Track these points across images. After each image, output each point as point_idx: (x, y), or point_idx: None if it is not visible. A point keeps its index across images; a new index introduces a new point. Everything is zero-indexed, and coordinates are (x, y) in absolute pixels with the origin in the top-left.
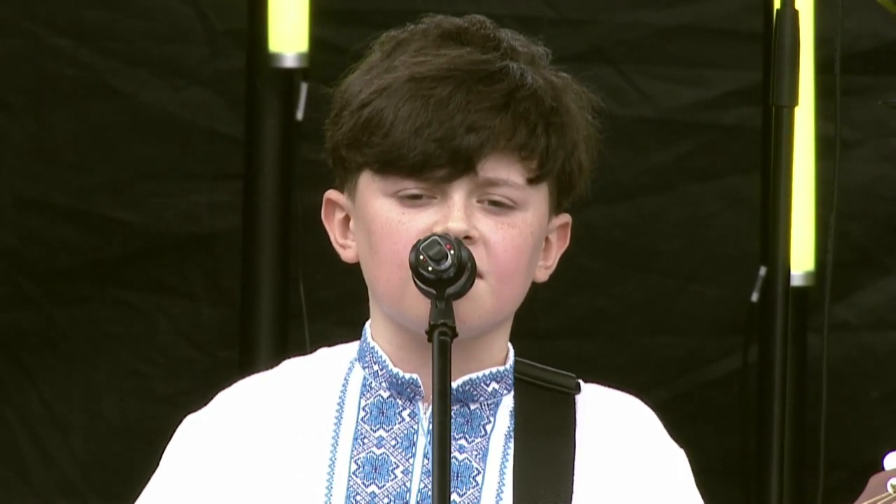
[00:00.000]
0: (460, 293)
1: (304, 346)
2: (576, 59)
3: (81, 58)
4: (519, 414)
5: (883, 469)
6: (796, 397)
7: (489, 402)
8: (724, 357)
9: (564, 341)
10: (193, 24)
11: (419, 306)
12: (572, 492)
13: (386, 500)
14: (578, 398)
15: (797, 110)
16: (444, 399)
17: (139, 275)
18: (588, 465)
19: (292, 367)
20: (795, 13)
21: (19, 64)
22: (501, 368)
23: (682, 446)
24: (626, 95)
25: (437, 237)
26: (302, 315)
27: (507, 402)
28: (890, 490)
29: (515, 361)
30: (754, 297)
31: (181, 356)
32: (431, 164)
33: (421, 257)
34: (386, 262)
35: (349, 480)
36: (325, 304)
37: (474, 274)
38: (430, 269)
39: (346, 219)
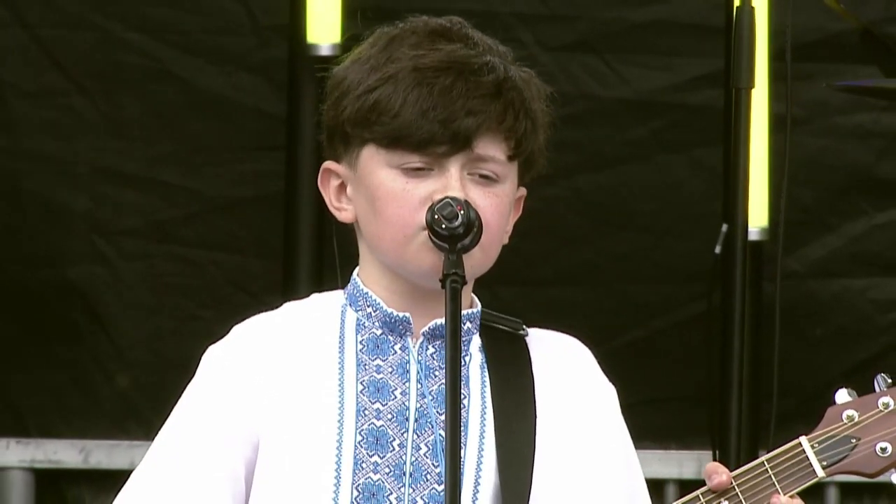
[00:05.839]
0: (469, 247)
1: None
2: (566, 49)
3: (147, 48)
4: (487, 350)
5: (834, 403)
6: (753, 336)
7: (463, 339)
8: (693, 301)
9: (557, 289)
10: (242, 19)
11: (423, 258)
12: (536, 416)
13: (389, 416)
14: (528, 339)
15: (754, 92)
16: (455, 338)
17: (196, 233)
18: (544, 393)
19: (294, 308)
20: (752, 10)
21: (94, 54)
22: (473, 311)
23: (656, 377)
24: (609, 80)
25: (449, 199)
26: (335, 265)
27: (476, 340)
28: (845, 420)
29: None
30: (717, 249)
31: (233, 301)
32: (435, 141)
33: (436, 216)
34: (391, 223)
35: (357, 398)
36: (355, 256)
37: (480, 231)
38: (443, 226)
39: (342, 185)
